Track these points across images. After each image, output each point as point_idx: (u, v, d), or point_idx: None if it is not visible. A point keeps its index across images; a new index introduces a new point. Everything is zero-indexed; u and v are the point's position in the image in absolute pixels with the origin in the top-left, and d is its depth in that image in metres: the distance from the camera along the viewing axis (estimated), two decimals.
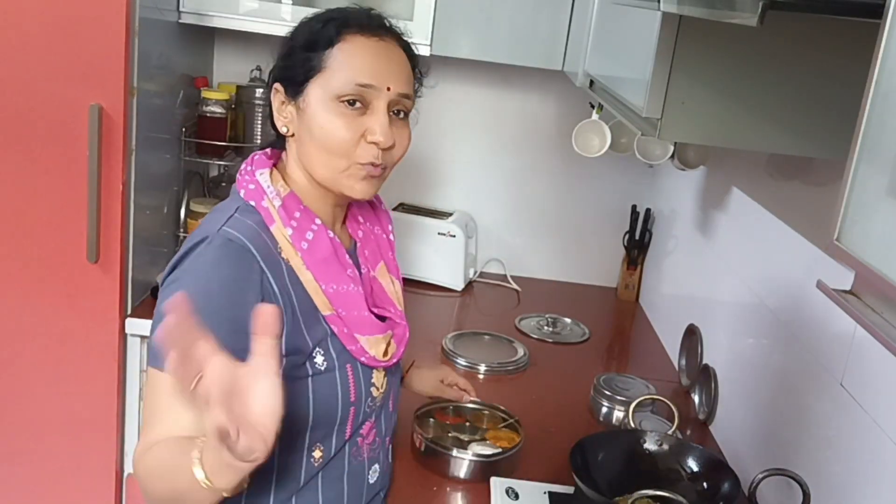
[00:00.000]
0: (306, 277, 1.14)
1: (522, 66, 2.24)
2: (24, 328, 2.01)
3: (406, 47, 1.19)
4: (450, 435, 1.59)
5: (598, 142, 2.15)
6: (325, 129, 1.12)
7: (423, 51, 2.21)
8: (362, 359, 1.18)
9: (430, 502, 1.45)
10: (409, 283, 2.47)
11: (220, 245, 1.07)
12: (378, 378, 1.22)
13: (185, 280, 1.07)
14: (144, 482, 1.03)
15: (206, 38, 2.45)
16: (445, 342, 2.10)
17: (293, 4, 2.18)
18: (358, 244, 1.27)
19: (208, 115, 2.29)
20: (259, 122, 2.42)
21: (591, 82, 1.77)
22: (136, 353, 2.05)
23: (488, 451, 1.54)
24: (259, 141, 2.43)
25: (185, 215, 2.31)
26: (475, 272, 2.63)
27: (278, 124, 1.18)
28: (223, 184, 2.51)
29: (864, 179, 0.62)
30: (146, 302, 2.12)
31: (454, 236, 2.48)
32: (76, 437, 2.08)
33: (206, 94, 2.29)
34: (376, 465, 1.28)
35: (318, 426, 1.16)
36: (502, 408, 1.65)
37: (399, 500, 1.42)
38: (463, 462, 1.51)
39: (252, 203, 1.14)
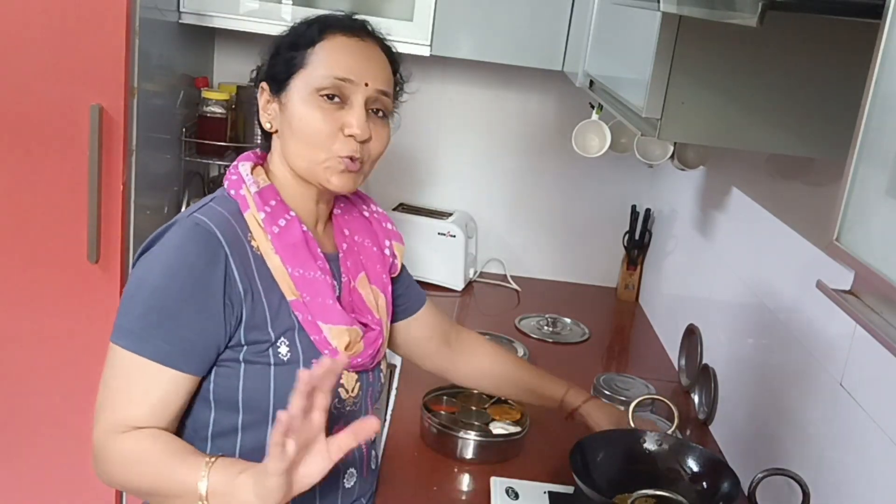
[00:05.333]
0: (274, 263, 1.16)
1: (522, 66, 2.24)
2: (25, 328, 2.01)
3: (388, 51, 1.25)
4: (463, 421, 1.61)
5: (597, 142, 2.15)
6: (303, 120, 1.17)
7: (423, 51, 2.22)
8: (325, 351, 1.17)
9: (430, 502, 1.45)
10: None
11: (187, 228, 1.12)
12: (348, 380, 1.22)
13: (152, 260, 1.11)
14: (115, 464, 1.08)
15: (206, 38, 2.45)
16: None
17: (293, 5, 2.18)
18: (340, 255, 1.28)
19: (209, 115, 2.29)
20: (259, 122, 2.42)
21: (591, 82, 1.77)
22: None
23: (509, 428, 1.61)
24: (259, 141, 2.43)
25: None
26: (475, 272, 2.63)
27: (263, 121, 1.24)
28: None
29: (863, 179, 0.62)
30: None
31: (454, 236, 2.48)
32: (76, 437, 2.07)
33: (206, 94, 2.29)
34: (352, 470, 1.27)
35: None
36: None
37: (399, 500, 1.42)
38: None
39: (232, 192, 1.19)
